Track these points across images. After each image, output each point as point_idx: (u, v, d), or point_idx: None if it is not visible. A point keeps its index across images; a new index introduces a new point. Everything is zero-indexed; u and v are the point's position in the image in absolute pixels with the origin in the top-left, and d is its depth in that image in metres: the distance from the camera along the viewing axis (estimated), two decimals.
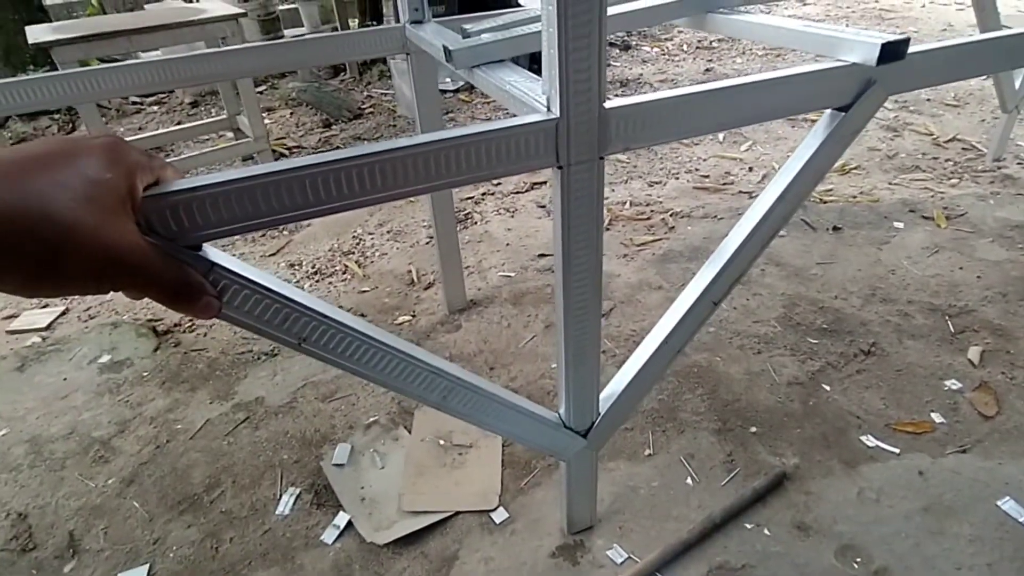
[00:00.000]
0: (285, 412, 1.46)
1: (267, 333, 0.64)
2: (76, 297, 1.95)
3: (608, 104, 0.68)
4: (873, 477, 1.21)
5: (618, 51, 4.29)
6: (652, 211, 2.26)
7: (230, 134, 2.94)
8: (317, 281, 1.99)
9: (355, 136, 3.19)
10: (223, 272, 0.58)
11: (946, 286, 1.73)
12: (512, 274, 1.94)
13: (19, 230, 0.38)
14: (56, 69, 1.80)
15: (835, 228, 2.06)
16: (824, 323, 1.63)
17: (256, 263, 2.11)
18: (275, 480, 1.30)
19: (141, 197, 0.48)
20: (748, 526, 1.14)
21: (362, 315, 1.80)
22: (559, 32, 0.61)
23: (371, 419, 1.42)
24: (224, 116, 2.85)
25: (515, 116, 0.70)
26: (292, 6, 4.81)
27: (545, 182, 2.51)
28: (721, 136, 2.85)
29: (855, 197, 2.25)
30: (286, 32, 4.48)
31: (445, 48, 0.94)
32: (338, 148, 2.34)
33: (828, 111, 0.86)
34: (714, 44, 4.32)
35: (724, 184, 2.44)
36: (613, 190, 2.44)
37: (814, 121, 2.45)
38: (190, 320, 1.81)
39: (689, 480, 1.23)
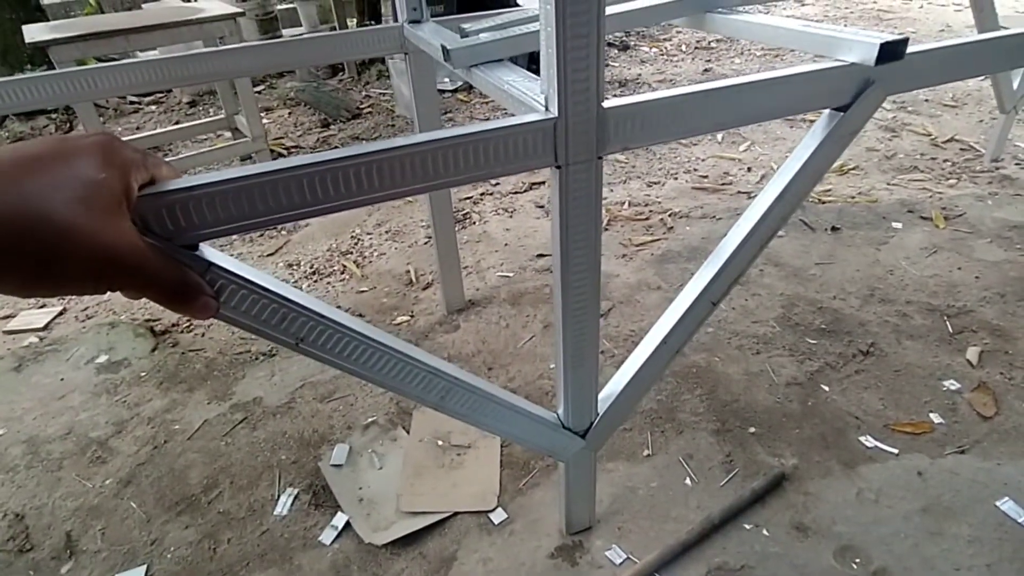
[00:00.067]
0: (283, 412, 1.46)
1: (264, 333, 0.64)
2: (73, 297, 1.95)
3: (606, 104, 0.68)
4: (872, 478, 1.21)
5: (617, 51, 4.29)
6: (651, 211, 2.26)
7: (228, 134, 2.94)
8: (315, 281, 1.99)
9: (353, 136, 3.18)
10: (220, 272, 0.57)
11: (944, 286, 1.74)
12: (511, 274, 1.94)
13: (16, 232, 0.38)
14: (53, 68, 1.80)
15: (833, 228, 2.06)
16: (823, 323, 1.63)
17: (254, 263, 2.11)
18: (273, 481, 1.29)
19: (136, 197, 0.48)
20: (747, 527, 1.13)
21: (360, 315, 1.80)
22: (557, 31, 0.61)
23: (369, 419, 1.42)
24: (222, 116, 2.84)
25: (513, 116, 0.70)
26: (290, 6, 4.81)
27: (544, 182, 2.50)
28: (720, 136, 2.85)
29: (853, 197, 2.25)
30: (284, 32, 4.47)
31: (443, 48, 0.94)
32: (336, 148, 2.34)
33: (826, 111, 0.86)
34: (713, 44, 4.32)
35: (723, 184, 2.44)
36: (612, 190, 2.44)
37: (812, 121, 2.45)
38: (188, 320, 1.80)
39: (688, 481, 1.23)
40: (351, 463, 1.32)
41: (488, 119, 3.25)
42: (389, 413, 1.44)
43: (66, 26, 2.23)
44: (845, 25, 4.44)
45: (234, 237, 2.24)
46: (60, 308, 1.92)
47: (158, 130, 3.15)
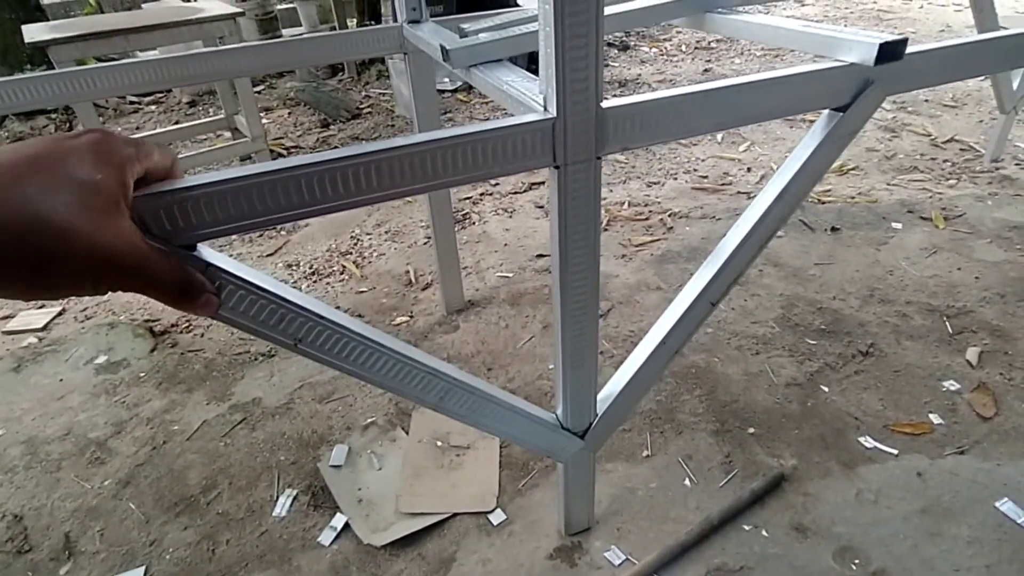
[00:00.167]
0: (282, 413, 1.46)
1: (263, 334, 0.64)
2: (73, 298, 1.95)
3: (605, 104, 0.68)
4: (871, 478, 1.21)
5: (616, 51, 4.29)
6: (650, 211, 2.26)
7: (228, 134, 2.94)
8: (315, 281, 1.99)
9: (353, 136, 3.18)
10: (218, 272, 0.57)
11: (944, 287, 1.74)
12: (510, 274, 1.94)
13: (15, 235, 0.38)
14: (53, 68, 1.79)
15: (833, 229, 2.06)
16: (822, 324, 1.62)
17: (253, 263, 2.11)
18: (272, 481, 1.29)
19: (132, 196, 0.48)
20: (746, 527, 1.13)
21: (359, 316, 1.80)
22: (556, 31, 0.61)
23: (368, 420, 1.42)
24: (222, 116, 2.84)
25: (512, 116, 0.70)
26: (290, 5, 4.81)
27: (543, 182, 2.50)
28: (719, 136, 2.85)
29: (853, 198, 2.25)
30: (284, 32, 4.47)
31: (443, 48, 0.94)
32: (336, 148, 2.34)
33: (826, 111, 0.86)
34: (712, 44, 4.33)
35: (722, 184, 2.44)
36: (611, 190, 2.44)
37: (812, 121, 2.45)
38: (187, 321, 1.80)
39: (687, 481, 1.23)
40: (350, 464, 1.32)
41: (487, 119, 3.25)
42: (388, 414, 1.44)
43: (66, 26, 2.23)
44: (845, 25, 4.44)
45: (233, 237, 2.24)
46: (59, 309, 1.91)
47: (158, 130, 3.14)
